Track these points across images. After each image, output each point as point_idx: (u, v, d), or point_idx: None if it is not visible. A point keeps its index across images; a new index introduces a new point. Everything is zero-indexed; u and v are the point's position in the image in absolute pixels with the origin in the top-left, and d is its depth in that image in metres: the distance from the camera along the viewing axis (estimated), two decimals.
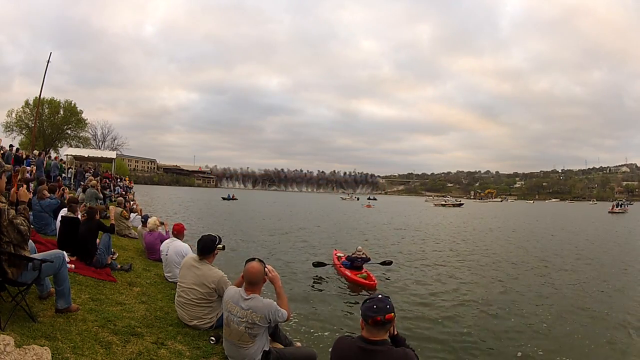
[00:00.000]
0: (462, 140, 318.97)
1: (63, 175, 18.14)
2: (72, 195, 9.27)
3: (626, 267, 11.63)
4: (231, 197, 54.51)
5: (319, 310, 6.58)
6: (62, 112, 42.34)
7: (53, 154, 27.97)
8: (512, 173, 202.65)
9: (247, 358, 2.85)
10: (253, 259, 2.96)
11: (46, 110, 40.89)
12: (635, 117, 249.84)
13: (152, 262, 6.59)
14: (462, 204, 66.15)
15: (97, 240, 5.45)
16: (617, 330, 6.06)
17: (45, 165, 16.40)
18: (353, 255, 9.05)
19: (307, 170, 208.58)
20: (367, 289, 8.00)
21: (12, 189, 4.76)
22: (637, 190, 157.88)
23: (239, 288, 2.98)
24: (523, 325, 6.21)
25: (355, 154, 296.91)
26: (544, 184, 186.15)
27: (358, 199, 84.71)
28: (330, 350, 2.25)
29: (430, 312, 6.77)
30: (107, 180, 20.31)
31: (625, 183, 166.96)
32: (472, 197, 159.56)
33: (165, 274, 5.53)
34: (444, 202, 69.89)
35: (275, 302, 2.93)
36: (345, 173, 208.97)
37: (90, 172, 21.95)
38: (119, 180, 24.62)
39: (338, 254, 10.28)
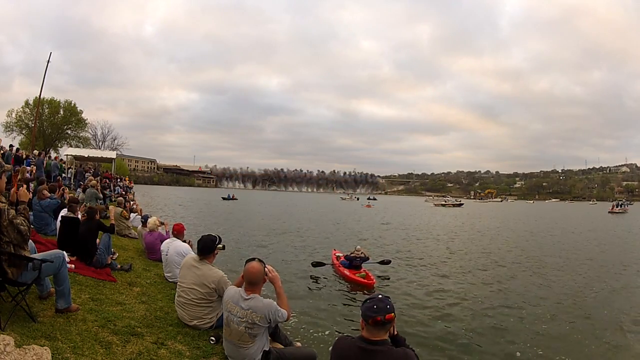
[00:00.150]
0: (462, 140, 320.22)
1: (63, 175, 18.14)
2: (72, 195, 9.28)
3: (625, 267, 11.62)
4: (231, 197, 54.54)
5: (318, 310, 6.58)
6: (62, 112, 42.38)
7: (53, 154, 27.98)
8: (512, 173, 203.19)
9: (247, 358, 2.85)
10: (253, 259, 2.96)
11: (46, 110, 40.90)
12: (635, 117, 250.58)
13: (152, 262, 6.59)
14: (462, 204, 66.13)
15: (97, 240, 5.45)
16: (616, 331, 6.05)
17: (45, 165, 16.39)
18: (352, 255, 9.07)
19: (307, 170, 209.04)
20: (365, 288, 8.02)
21: (12, 189, 4.77)
22: (637, 190, 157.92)
23: (239, 288, 2.99)
24: (522, 325, 6.20)
25: (355, 154, 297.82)
26: (544, 184, 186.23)
27: (358, 199, 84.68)
28: (330, 350, 2.25)
29: (429, 312, 6.77)
30: (107, 180, 20.31)
31: (625, 183, 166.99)
32: (472, 197, 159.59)
33: (165, 274, 5.53)
34: (444, 202, 69.86)
35: (275, 302, 2.93)
36: (345, 173, 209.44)
37: (90, 172, 21.94)
38: (119, 180, 24.61)
39: (337, 254, 10.28)
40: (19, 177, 8.07)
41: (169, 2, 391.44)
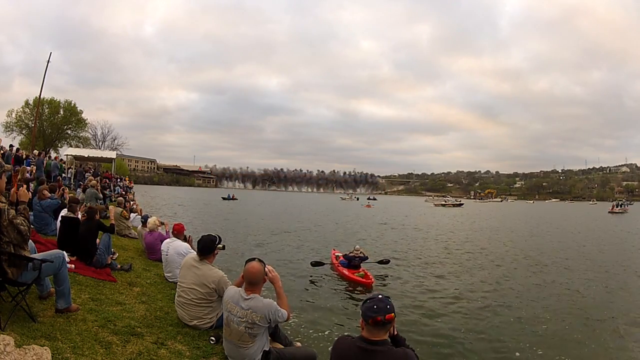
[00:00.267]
0: (462, 140, 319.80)
1: (63, 175, 18.13)
2: (72, 195, 9.27)
3: (625, 267, 11.63)
4: (231, 197, 54.51)
5: (318, 310, 6.59)
6: (62, 112, 42.32)
7: (53, 154, 27.97)
8: (512, 173, 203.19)
9: (247, 358, 2.86)
10: (253, 259, 2.96)
11: (46, 110, 40.85)
12: (635, 117, 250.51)
13: (152, 262, 6.59)
14: (462, 204, 66.15)
15: (97, 240, 5.45)
16: (615, 331, 6.06)
17: (45, 165, 16.38)
18: (351, 254, 9.11)
19: (307, 170, 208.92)
20: (364, 288, 8.07)
21: (12, 189, 4.76)
22: (637, 190, 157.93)
23: (239, 288, 2.98)
24: (521, 325, 6.21)
25: (355, 154, 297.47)
26: (544, 184, 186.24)
27: (358, 199, 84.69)
28: (330, 350, 2.25)
29: (428, 312, 6.78)
30: (107, 180, 20.31)
31: (625, 183, 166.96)
32: (472, 197, 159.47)
33: (166, 274, 5.53)
34: (444, 202, 69.85)
35: (275, 302, 2.93)
36: (345, 173, 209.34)
37: (90, 172, 21.95)
38: (119, 180, 24.62)
39: (337, 254, 10.31)
40: (19, 177, 8.07)
41: (168, 2, 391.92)
